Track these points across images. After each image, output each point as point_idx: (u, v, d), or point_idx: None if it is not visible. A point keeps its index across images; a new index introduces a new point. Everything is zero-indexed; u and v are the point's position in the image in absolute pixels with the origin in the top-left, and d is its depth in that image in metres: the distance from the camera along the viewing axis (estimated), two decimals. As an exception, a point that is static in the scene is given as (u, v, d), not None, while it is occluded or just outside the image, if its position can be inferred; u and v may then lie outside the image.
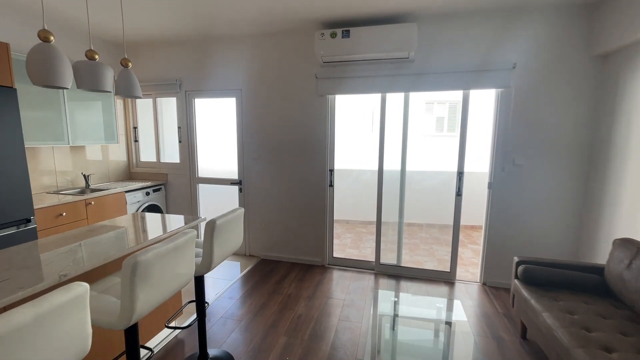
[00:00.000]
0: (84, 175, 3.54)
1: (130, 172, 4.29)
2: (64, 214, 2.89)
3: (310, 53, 3.37)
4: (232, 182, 3.89)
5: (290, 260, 3.81)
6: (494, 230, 3.14)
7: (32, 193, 3.12)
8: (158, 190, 4.04)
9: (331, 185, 3.58)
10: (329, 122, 3.47)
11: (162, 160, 4.20)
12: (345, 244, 4.58)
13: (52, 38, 1.62)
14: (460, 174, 3.18)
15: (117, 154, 4.10)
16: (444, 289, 3.16)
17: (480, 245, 3.46)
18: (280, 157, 3.67)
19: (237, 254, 4.03)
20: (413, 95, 3.28)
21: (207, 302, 2.07)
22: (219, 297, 2.96)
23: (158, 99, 4.09)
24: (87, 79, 1.68)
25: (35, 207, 2.64)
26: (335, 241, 3.77)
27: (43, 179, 3.23)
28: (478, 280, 3.31)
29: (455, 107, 7.59)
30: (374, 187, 3.49)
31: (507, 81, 2.86)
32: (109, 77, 1.78)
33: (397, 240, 3.60)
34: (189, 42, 3.75)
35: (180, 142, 4.02)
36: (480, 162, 3.83)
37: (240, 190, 3.88)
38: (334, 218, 3.69)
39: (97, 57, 1.75)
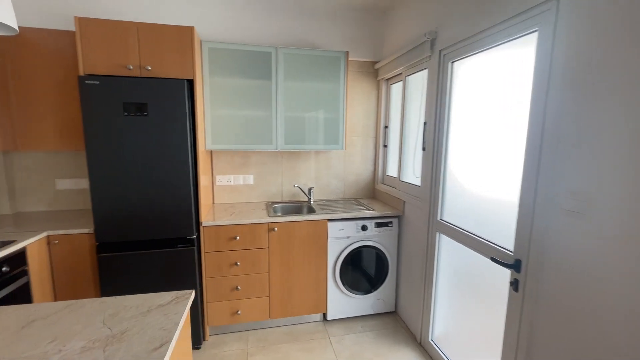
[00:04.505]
0: (300, 188, 2.83)
1: (375, 189, 3.11)
2: (238, 237, 2.27)
3: None
4: (495, 259, 1.51)
5: None
6: None
7: (251, 200, 2.83)
8: (385, 225, 2.53)
9: None
10: None
11: (402, 179, 2.61)
12: None
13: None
14: None
15: (361, 163, 3.05)
16: None
17: None
18: None
19: None
20: None
21: None
22: None
23: (408, 79, 2.49)
24: None
25: (204, 224, 2.19)
26: None
27: (269, 187, 2.87)
28: None
29: None
30: None
31: None
32: None
33: None
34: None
35: (424, 149, 2.21)
36: None
37: (514, 287, 1.43)
38: None
39: None
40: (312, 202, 2.82)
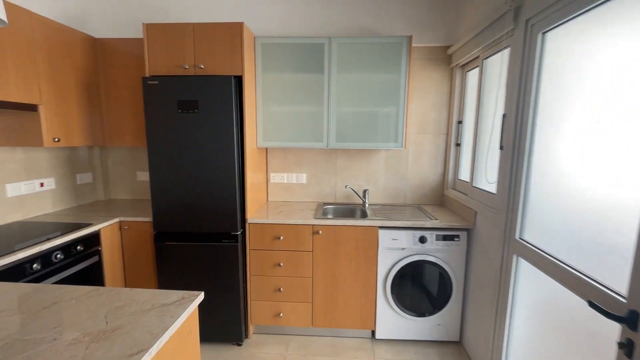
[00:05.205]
0: (353, 190, 2.60)
1: (443, 195, 2.68)
2: (282, 237, 2.19)
3: None
4: (595, 305, 1.05)
5: None
6: None
7: (304, 200, 2.74)
8: (451, 238, 2.13)
9: None
10: None
11: (475, 184, 2.16)
12: None
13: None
14: None
15: (429, 164, 2.66)
16: None
17: None
18: None
19: None
20: None
21: None
22: None
23: (486, 62, 2.03)
24: None
25: (249, 221, 2.18)
26: None
27: (322, 186, 2.73)
28: None
29: None
30: None
31: None
32: None
33: None
34: None
35: (501, 148, 1.76)
36: None
37: (627, 351, 0.96)
38: None
39: None
40: (366, 205, 2.58)
